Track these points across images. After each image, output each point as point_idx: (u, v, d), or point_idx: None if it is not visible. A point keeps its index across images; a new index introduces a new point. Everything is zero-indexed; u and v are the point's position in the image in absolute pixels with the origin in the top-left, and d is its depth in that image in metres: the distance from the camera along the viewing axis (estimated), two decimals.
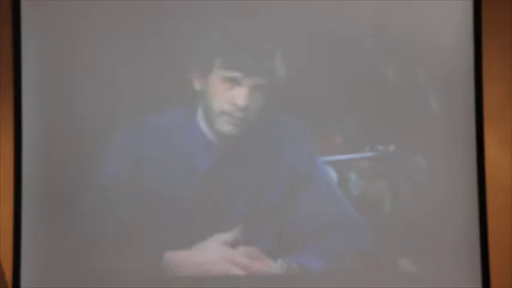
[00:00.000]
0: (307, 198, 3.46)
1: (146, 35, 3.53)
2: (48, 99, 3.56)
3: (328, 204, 3.46)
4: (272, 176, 3.46)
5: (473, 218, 3.47)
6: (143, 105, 3.52)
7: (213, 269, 3.45)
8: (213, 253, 3.46)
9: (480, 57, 3.52)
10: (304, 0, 3.50)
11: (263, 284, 3.45)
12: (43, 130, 3.55)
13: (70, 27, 3.56)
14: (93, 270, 3.50)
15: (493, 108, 3.53)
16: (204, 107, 3.46)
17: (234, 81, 3.41)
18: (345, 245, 3.46)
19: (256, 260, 3.45)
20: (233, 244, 3.46)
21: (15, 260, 3.52)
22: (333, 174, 3.48)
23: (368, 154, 3.50)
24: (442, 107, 3.51)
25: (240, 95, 3.40)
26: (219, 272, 3.45)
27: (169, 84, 3.51)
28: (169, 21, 3.54)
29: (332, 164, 3.49)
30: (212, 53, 3.46)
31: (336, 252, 3.46)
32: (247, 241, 3.46)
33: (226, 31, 3.50)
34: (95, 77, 3.54)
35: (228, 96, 3.42)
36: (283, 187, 3.46)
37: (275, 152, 3.48)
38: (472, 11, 3.53)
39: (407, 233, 3.47)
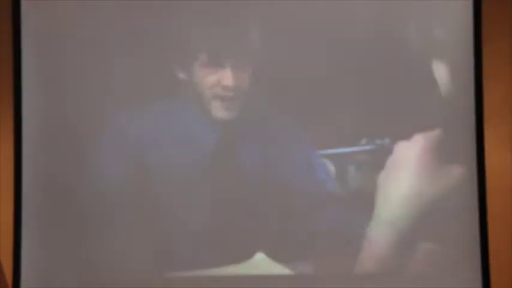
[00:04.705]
0: (305, 197, 3.47)
1: (141, 32, 3.53)
2: (48, 99, 3.56)
3: (326, 199, 3.47)
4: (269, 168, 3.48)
5: (473, 218, 3.47)
6: (141, 101, 3.52)
7: (215, 269, 3.46)
8: (215, 253, 3.47)
9: (480, 58, 3.52)
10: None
11: (263, 284, 3.46)
12: (43, 130, 3.56)
13: (70, 27, 3.56)
14: (93, 270, 3.50)
15: (493, 108, 3.53)
16: (196, 97, 3.47)
17: (218, 65, 3.43)
18: (344, 245, 3.46)
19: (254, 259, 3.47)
20: (234, 244, 3.47)
21: (15, 260, 3.53)
22: (330, 168, 3.48)
23: (366, 147, 3.49)
24: (442, 107, 3.51)
25: (226, 77, 3.41)
26: (220, 272, 3.46)
27: (162, 77, 3.52)
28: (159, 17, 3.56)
29: (329, 157, 3.48)
30: (194, 43, 3.48)
31: (335, 251, 3.46)
32: (247, 241, 3.47)
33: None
34: (94, 76, 3.54)
35: (214, 80, 3.43)
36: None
37: (271, 150, 3.49)
38: (472, 11, 3.53)
39: None
